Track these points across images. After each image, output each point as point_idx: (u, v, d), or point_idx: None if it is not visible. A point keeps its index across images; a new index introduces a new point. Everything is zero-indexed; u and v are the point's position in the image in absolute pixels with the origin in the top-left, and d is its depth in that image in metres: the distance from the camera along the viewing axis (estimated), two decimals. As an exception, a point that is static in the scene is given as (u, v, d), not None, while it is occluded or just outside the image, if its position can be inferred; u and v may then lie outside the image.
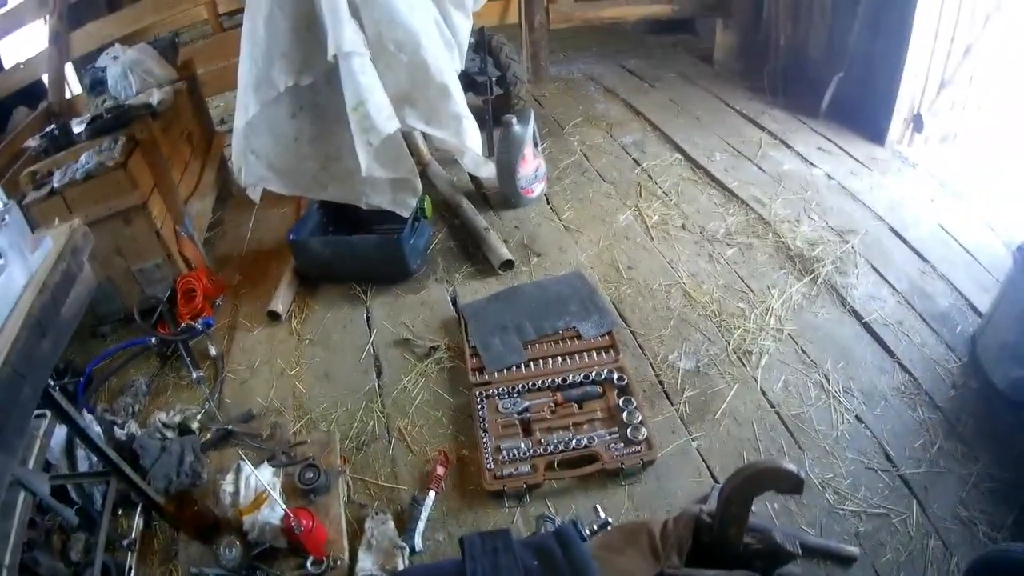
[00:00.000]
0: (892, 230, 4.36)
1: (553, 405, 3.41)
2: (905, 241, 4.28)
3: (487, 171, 4.47)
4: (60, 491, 2.82)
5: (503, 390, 3.47)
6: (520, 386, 3.48)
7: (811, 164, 5.00)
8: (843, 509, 3.00)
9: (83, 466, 3.05)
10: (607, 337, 3.71)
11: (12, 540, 2.35)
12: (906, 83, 4.84)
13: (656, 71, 6.45)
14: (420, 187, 4.10)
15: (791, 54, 5.85)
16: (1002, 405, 3.25)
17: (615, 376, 3.47)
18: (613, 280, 4.21)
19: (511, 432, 3.31)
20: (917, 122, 4.99)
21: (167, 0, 5.66)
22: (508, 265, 4.31)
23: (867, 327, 3.75)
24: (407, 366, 3.81)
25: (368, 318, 4.16)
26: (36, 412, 2.55)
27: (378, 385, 3.73)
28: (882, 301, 3.89)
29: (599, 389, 3.45)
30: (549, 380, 3.49)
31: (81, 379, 3.76)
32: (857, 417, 3.35)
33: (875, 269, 4.10)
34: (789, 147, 5.21)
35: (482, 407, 3.41)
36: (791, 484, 1.17)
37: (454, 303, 4.16)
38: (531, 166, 4.69)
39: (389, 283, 4.31)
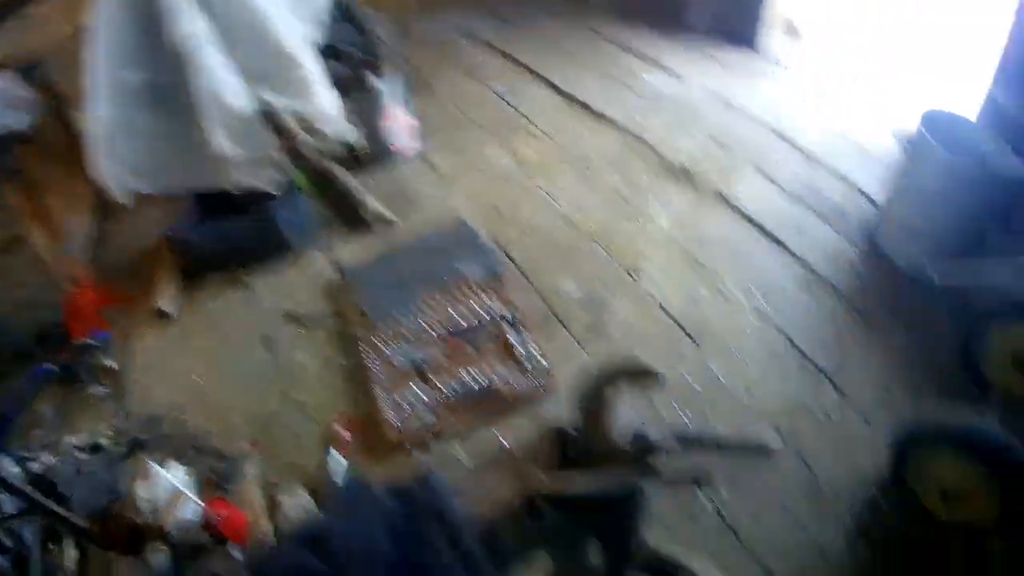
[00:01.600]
0: (775, 132, 4.31)
1: (448, 351, 3.32)
2: (790, 142, 4.23)
3: (350, 135, 4.32)
4: None
5: (395, 344, 3.38)
6: (412, 337, 3.40)
7: (687, 80, 4.91)
8: (756, 402, 2.97)
9: (8, 508, 2.98)
10: (494, 277, 3.63)
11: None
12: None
13: (527, 15, 6.23)
14: (284, 161, 3.98)
15: None
16: (906, 285, 3.24)
17: (505, 312, 3.40)
18: (496, 222, 4.08)
19: (409, 384, 3.22)
20: (790, 25, 4.95)
21: (27, 22, 5.36)
22: (388, 224, 4.20)
23: (760, 228, 3.70)
24: (298, 339, 3.68)
25: (254, 299, 4.01)
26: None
27: (272, 363, 3.59)
28: (772, 202, 3.84)
29: (491, 328, 3.38)
30: (441, 328, 3.42)
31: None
32: (758, 313, 3.30)
33: (761, 172, 4.04)
34: (664, 67, 5.10)
35: (377, 365, 3.31)
36: (648, 379, 1.08)
37: (338, 269, 4.02)
38: (402, 124, 4.55)
39: (272, 262, 4.15)
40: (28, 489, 2.71)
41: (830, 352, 3.11)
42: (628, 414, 2.84)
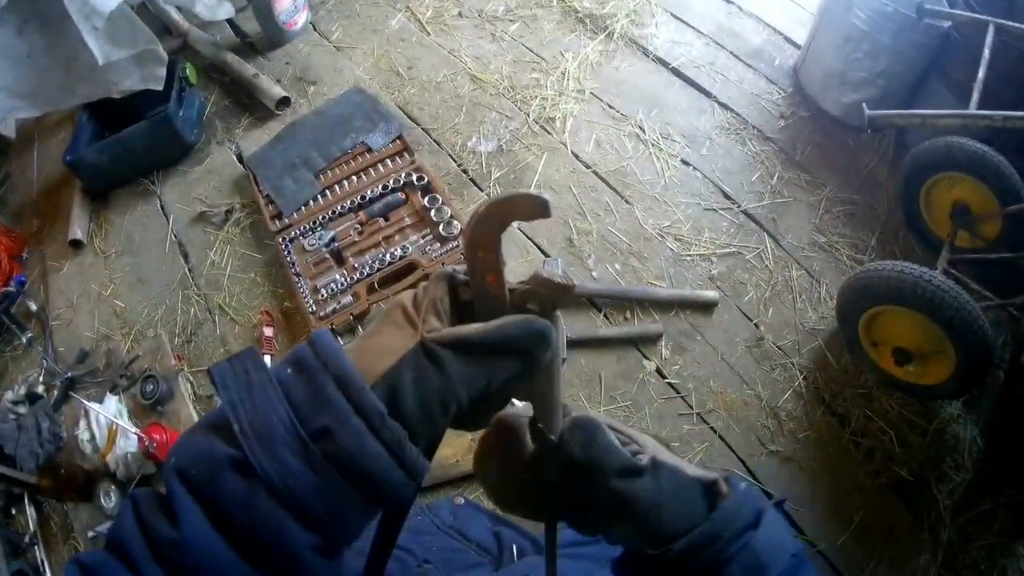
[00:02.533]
0: None
1: (359, 226, 3.16)
2: None
3: (225, 12, 3.99)
4: None
5: (306, 228, 3.23)
6: (322, 218, 3.23)
7: None
8: (689, 255, 2.83)
9: None
10: (398, 142, 3.40)
11: None
12: None
13: None
14: (165, 55, 3.66)
15: None
16: (838, 130, 3.10)
17: (415, 178, 3.19)
18: (395, 85, 3.81)
19: (325, 268, 3.10)
20: None
21: None
22: (285, 103, 3.94)
23: (676, 72, 3.48)
24: (210, 240, 3.51)
25: (162, 207, 3.81)
26: None
27: (188, 270, 3.46)
28: (688, 45, 3.60)
29: (402, 196, 3.18)
30: (349, 202, 3.23)
31: None
32: (683, 161, 3.14)
33: (675, 16, 3.78)
34: None
35: (289, 252, 3.18)
36: (534, 208, 0.89)
37: (239, 159, 3.81)
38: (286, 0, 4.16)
39: (174, 164, 3.94)
40: None
41: (761, 198, 2.98)
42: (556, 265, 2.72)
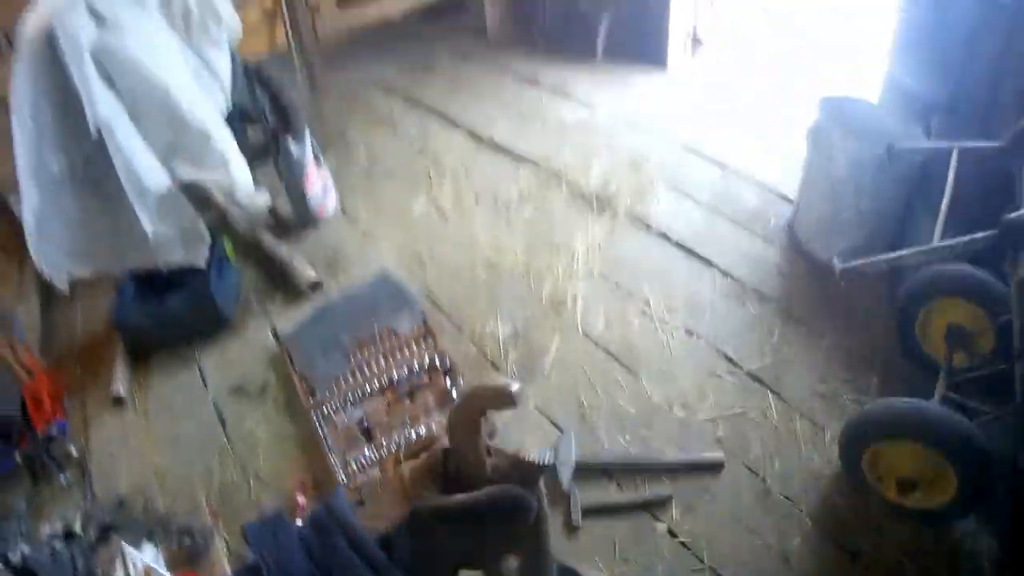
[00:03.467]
0: (686, 147, 4.33)
1: (387, 405, 3.33)
2: (700, 154, 4.26)
3: (263, 201, 4.31)
4: None
5: (338, 405, 3.38)
6: (352, 395, 3.40)
7: (593, 107, 4.93)
8: (696, 420, 2.95)
9: None
10: (421, 327, 3.61)
11: None
12: (676, 1, 4.87)
13: (433, 58, 6.26)
14: (207, 234, 3.97)
15: (560, 8, 5.78)
16: (832, 278, 3.16)
17: (438, 360, 3.38)
18: (419, 270, 4.06)
19: (356, 442, 3.23)
20: (695, 39, 5.02)
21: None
22: (317, 285, 4.19)
23: (677, 245, 3.72)
24: (247, 409, 3.67)
25: (201, 375, 3.99)
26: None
27: (225, 436, 3.58)
28: (687, 216, 3.85)
29: (426, 378, 3.36)
30: (377, 382, 3.41)
31: None
32: (687, 331, 3.30)
33: (674, 188, 4.06)
34: (570, 97, 5.12)
35: (322, 427, 3.32)
36: (503, 400, 1.09)
37: (275, 335, 4.01)
38: (317, 184, 4.52)
39: (212, 334, 4.15)
40: None
41: (763, 357, 3.12)
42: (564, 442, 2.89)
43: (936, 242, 2.61)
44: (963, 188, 2.70)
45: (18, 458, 3.77)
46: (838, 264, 2.87)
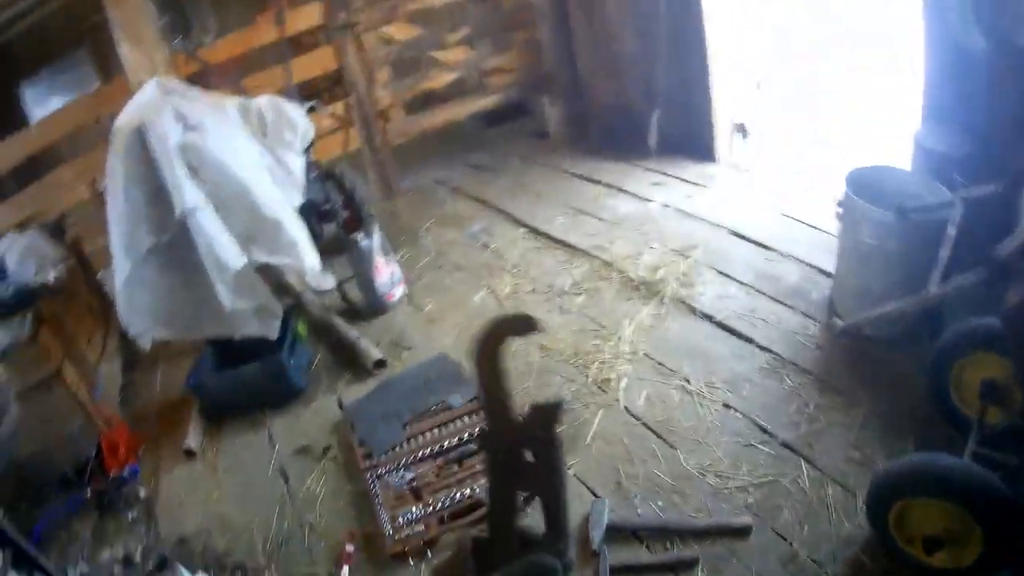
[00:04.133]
0: (732, 233, 4.49)
1: (436, 470, 3.52)
2: (745, 238, 4.41)
3: (328, 283, 4.74)
4: None
5: (391, 467, 3.60)
6: (405, 461, 3.61)
7: (646, 200, 5.15)
8: (728, 488, 3.00)
9: None
10: (474, 403, 3.79)
11: None
12: (719, 97, 5.12)
13: (498, 159, 6.67)
14: (279, 309, 4.31)
15: (614, 109, 6.10)
16: (871, 347, 3.30)
17: None
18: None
19: (404, 501, 3.41)
20: (742, 129, 5.22)
21: (47, 186, 5.72)
22: (381, 364, 4.45)
23: (720, 325, 3.83)
24: (309, 468, 3.89)
25: (270, 436, 4.24)
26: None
27: (287, 490, 3.79)
28: (731, 298, 3.98)
29: (474, 447, 3.53)
30: (429, 449, 3.63)
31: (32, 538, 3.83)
32: (724, 404, 3.39)
33: (720, 272, 4.20)
34: (624, 192, 5.37)
35: (375, 486, 3.53)
36: (523, 326, 1.20)
37: (340, 405, 4.27)
38: (385, 273, 4.86)
39: (283, 404, 4.42)
40: None
41: (797, 427, 3.16)
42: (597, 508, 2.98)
43: (932, 289, 2.70)
44: (973, 237, 2.76)
45: (88, 495, 4.04)
46: (838, 324, 2.99)
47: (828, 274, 3.91)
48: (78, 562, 3.65)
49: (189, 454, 4.26)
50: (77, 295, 5.17)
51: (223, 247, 3.92)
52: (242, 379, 4.36)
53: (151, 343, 4.37)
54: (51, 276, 4.75)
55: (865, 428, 3.07)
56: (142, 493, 4.09)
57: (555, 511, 1.09)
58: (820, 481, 2.92)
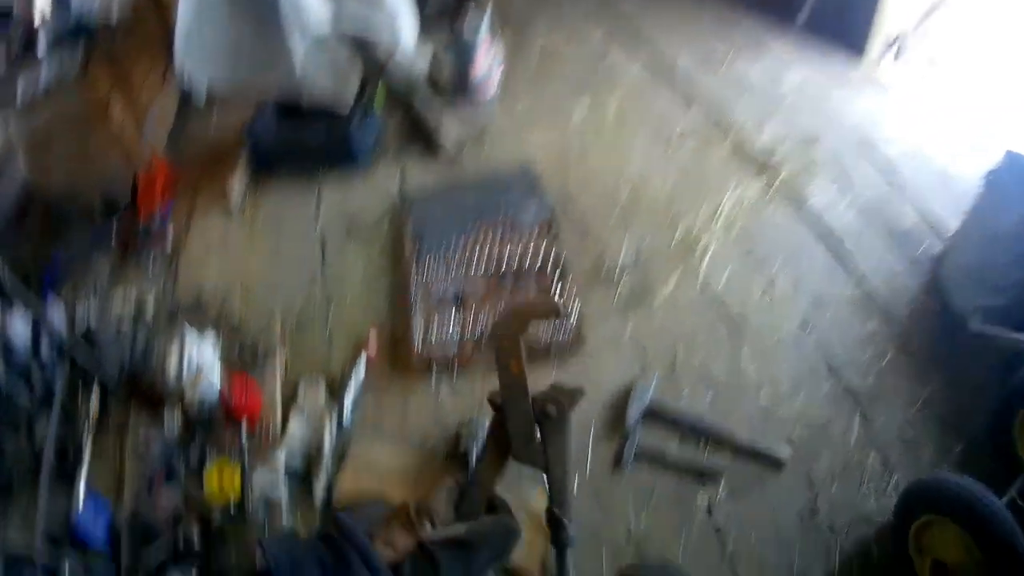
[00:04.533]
0: (860, 144, 4.00)
1: (487, 287, 3.30)
2: (872, 157, 3.93)
3: (421, 66, 4.37)
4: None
5: (438, 272, 3.39)
6: (457, 268, 3.39)
7: (781, 72, 4.60)
8: (778, 412, 2.82)
9: (45, 354, 3.18)
10: (545, 224, 3.54)
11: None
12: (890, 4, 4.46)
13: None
14: (356, 83, 4.05)
15: None
16: (959, 330, 2.94)
17: (551, 260, 3.33)
18: (562, 169, 3.96)
19: (444, 310, 3.24)
20: (900, 44, 4.64)
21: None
22: (456, 155, 4.16)
23: (822, 235, 3.49)
24: (351, 246, 3.75)
25: (318, 203, 4.07)
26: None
27: (322, 265, 3.67)
28: (841, 212, 3.60)
29: (533, 273, 3.32)
30: (484, 264, 3.39)
31: (48, 272, 3.87)
32: (803, 320, 3.13)
33: (837, 180, 3.78)
34: (760, 55, 4.78)
35: (416, 286, 3.34)
36: (547, 310, 1.11)
37: (401, 190, 4.04)
38: (485, 60, 4.40)
39: (341, 173, 4.20)
40: (66, 341, 2.93)
41: (865, 377, 2.92)
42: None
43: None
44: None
45: (114, 234, 4.03)
46: (974, 325, 2.68)
47: (941, 232, 3.50)
48: (88, 308, 3.59)
49: (228, 204, 4.10)
50: (140, 31, 4.79)
51: (311, 4, 3.58)
52: (303, 138, 4.14)
53: (205, 91, 4.18)
54: (114, 10, 4.43)
55: (925, 409, 2.81)
56: (169, 240, 4.06)
57: (558, 490, 1.04)
58: (866, 444, 2.73)
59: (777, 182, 3.74)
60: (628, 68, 4.70)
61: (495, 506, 1.22)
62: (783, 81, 4.47)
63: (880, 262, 3.35)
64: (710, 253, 3.40)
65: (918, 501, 2.30)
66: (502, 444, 1.25)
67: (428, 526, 1.15)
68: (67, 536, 2.83)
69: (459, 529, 1.16)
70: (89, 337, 3.33)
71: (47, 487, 2.83)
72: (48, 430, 2.96)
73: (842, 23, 4.66)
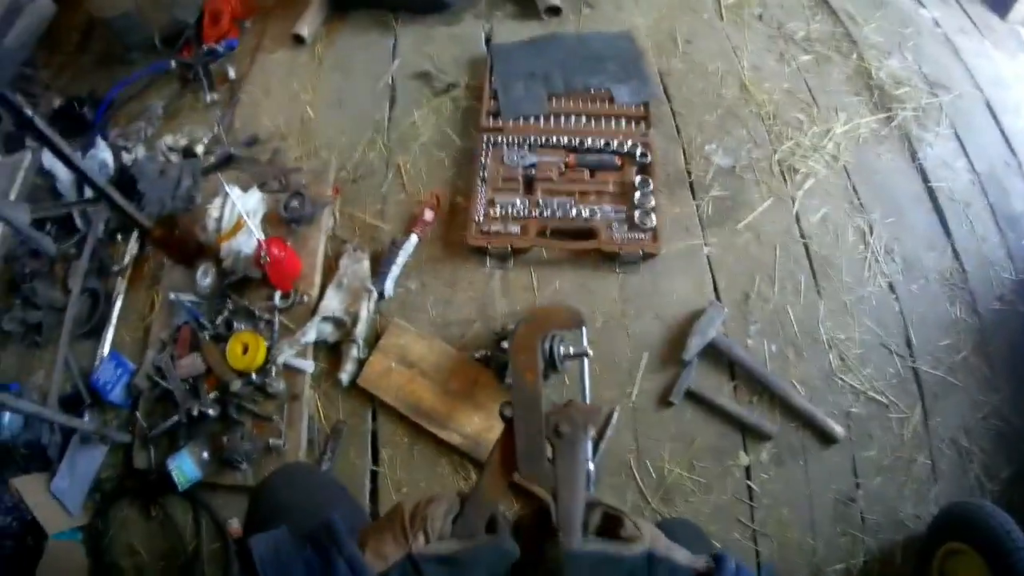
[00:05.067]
0: (988, 105, 3.53)
1: (563, 167, 2.95)
2: (999, 123, 3.47)
3: None
4: (68, 220, 3.05)
5: (514, 140, 3.03)
6: (533, 139, 3.03)
7: (920, 2, 4.03)
8: (843, 379, 2.58)
9: (87, 193, 3.03)
10: (641, 108, 3.14)
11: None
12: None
13: None
14: None
15: None
16: None
17: (639, 151, 2.95)
18: (666, 51, 3.53)
19: (511, 187, 2.93)
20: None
21: None
22: (554, 11, 3.71)
23: (931, 192, 3.09)
24: (422, 100, 3.42)
25: (394, 46, 3.71)
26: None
27: (388, 117, 3.38)
28: (955, 173, 3.19)
29: (618, 161, 2.95)
30: (566, 139, 3.01)
31: (102, 105, 3.66)
32: (890, 285, 2.81)
33: (957, 136, 3.34)
34: None
35: (486, 154, 3.01)
36: (569, 321, 1.02)
37: (487, 42, 3.66)
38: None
39: (423, 13, 3.81)
40: (99, 180, 2.67)
41: (938, 365, 2.65)
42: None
43: None
44: None
45: (174, 64, 3.75)
46: None
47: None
48: (137, 144, 3.44)
49: (298, 40, 3.82)
50: None
51: None
52: None
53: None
54: None
55: (986, 420, 2.56)
56: (232, 73, 3.75)
57: (565, 515, 0.85)
58: (919, 443, 2.52)
59: (896, 121, 3.30)
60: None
61: (496, 525, 1.04)
62: (920, 10, 3.94)
63: (980, 243, 2.98)
64: (810, 182, 3.04)
65: (953, 526, 2.18)
66: (509, 459, 1.05)
67: (422, 538, 0.99)
68: (88, 392, 2.78)
69: (453, 546, 1.04)
70: (132, 173, 3.13)
71: (67, 341, 2.69)
72: (89, 278, 2.89)
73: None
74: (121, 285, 3.05)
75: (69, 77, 3.94)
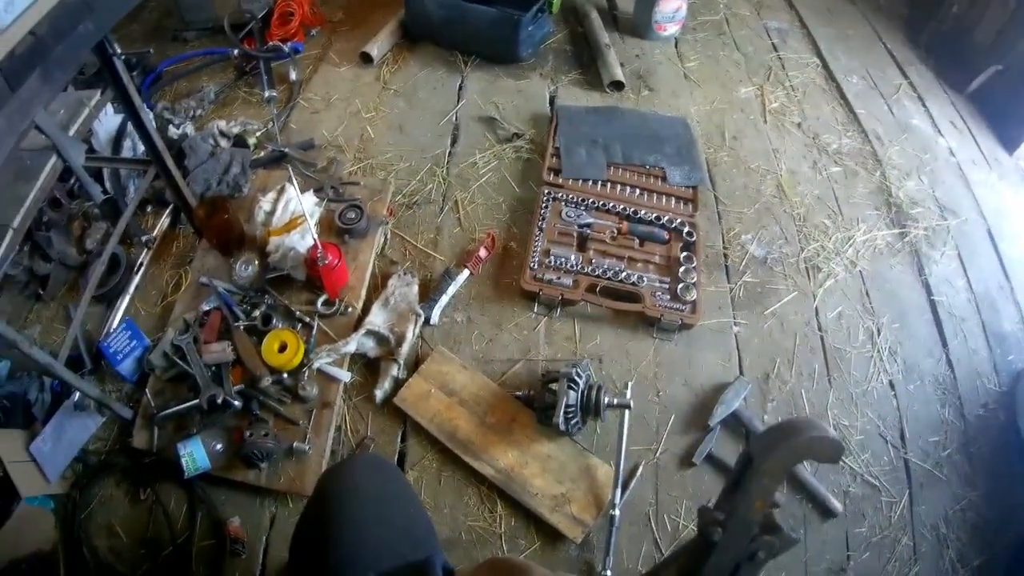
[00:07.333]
0: (990, 232, 3.64)
1: (616, 232, 3.01)
2: (997, 249, 3.58)
3: None
4: (96, 179, 2.75)
5: (572, 199, 3.09)
6: (590, 201, 3.09)
7: (939, 132, 4.18)
8: (844, 461, 2.63)
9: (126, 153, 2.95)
10: (691, 191, 3.23)
11: (27, 204, 2.16)
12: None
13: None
14: None
15: (958, 25, 4.84)
16: (1018, 449, 2.77)
17: (686, 230, 3.04)
18: (714, 143, 3.64)
19: (565, 241, 2.95)
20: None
21: None
22: (617, 86, 3.81)
23: (932, 305, 3.19)
24: (484, 144, 3.45)
25: (461, 87, 3.75)
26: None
27: (449, 152, 3.39)
28: (955, 290, 3.29)
29: (666, 235, 3.03)
30: (621, 207, 3.08)
31: (151, 75, 3.62)
32: (891, 383, 2.89)
33: (960, 258, 3.45)
34: (924, 106, 4.33)
35: (546, 207, 3.05)
36: (830, 453, 0.85)
37: (551, 101, 3.72)
38: (672, 5, 4.04)
39: (493, 62, 3.89)
40: (159, 142, 2.46)
41: (924, 459, 2.72)
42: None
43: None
44: None
45: (235, 53, 3.68)
46: None
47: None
48: (185, 121, 3.33)
49: (365, 58, 3.77)
50: None
51: None
52: (467, 17, 3.72)
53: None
54: None
55: (963, 512, 2.62)
56: (293, 75, 3.68)
57: None
58: (904, 525, 2.56)
59: (909, 237, 3.42)
60: (800, 66, 4.29)
61: None
62: (938, 139, 4.08)
63: (972, 355, 3.07)
64: (830, 282, 3.14)
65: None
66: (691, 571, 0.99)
67: None
68: (91, 358, 2.59)
69: None
70: (183, 147, 3.05)
71: (87, 299, 2.48)
72: (105, 238, 2.69)
73: (1006, 108, 4.27)
74: (146, 256, 2.90)
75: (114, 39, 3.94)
